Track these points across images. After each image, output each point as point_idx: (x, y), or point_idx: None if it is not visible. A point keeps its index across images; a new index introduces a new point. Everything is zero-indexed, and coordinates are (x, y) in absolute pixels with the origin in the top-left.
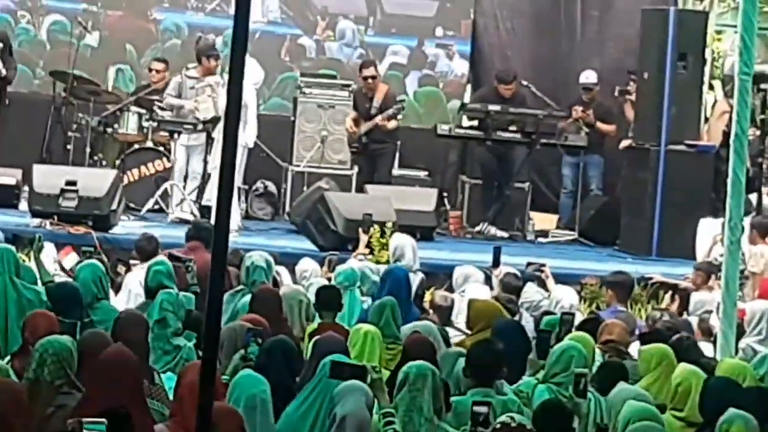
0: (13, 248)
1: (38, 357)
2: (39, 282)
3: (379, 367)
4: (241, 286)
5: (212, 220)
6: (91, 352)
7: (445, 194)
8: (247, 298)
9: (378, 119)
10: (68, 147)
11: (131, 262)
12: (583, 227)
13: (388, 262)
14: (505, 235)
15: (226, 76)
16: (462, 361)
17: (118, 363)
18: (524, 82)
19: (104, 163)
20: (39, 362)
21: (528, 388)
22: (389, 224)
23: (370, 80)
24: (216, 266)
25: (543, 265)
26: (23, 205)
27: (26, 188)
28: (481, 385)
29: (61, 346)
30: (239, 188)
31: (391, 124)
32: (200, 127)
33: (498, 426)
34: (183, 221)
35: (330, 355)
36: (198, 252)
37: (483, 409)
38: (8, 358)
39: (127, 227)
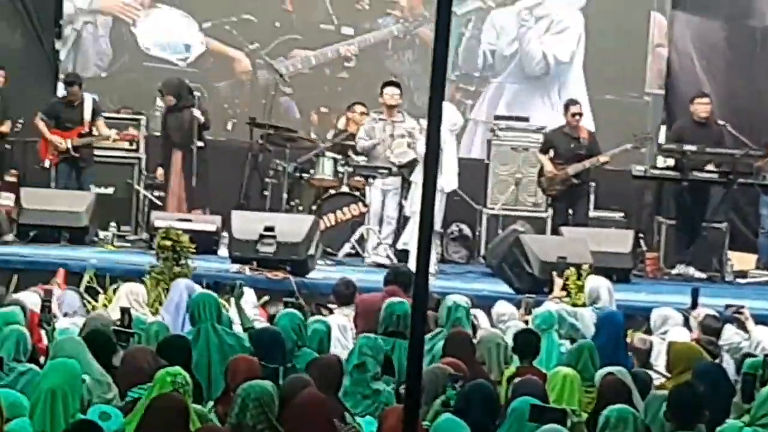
0: (215, 295)
1: (240, 401)
2: (240, 328)
3: (579, 410)
4: (439, 329)
5: (410, 264)
6: (291, 396)
7: (641, 235)
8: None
9: (606, 159)
10: (265, 193)
11: (330, 306)
12: None
13: (584, 304)
14: (704, 275)
15: (423, 121)
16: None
17: (313, 406)
18: (720, 122)
19: (300, 208)
20: (241, 407)
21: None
22: (585, 266)
23: (578, 117)
24: (417, 310)
25: (742, 306)
26: (222, 251)
27: (225, 234)
28: (682, 428)
29: (262, 391)
30: (435, 232)
31: (603, 159)
32: (395, 171)
33: None
34: (379, 265)
35: (527, 398)
36: (399, 296)
37: None
38: (211, 403)
39: (324, 272)
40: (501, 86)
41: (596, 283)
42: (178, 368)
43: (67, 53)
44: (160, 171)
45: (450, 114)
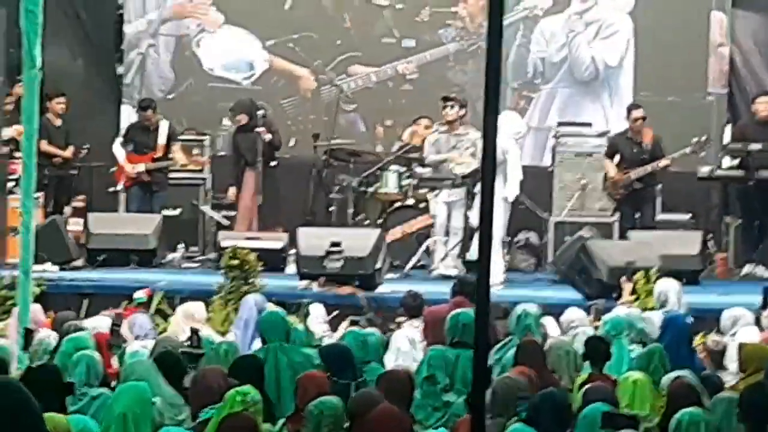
0: (283, 312)
1: (313, 419)
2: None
3: (652, 415)
4: (509, 338)
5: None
6: (363, 411)
7: (709, 236)
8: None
9: (665, 163)
10: (331, 209)
11: (398, 319)
12: None
13: (654, 308)
14: None
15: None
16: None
17: (386, 420)
18: None
19: (366, 222)
20: (315, 424)
21: None
22: (653, 270)
23: (640, 122)
24: (480, 318)
25: None
26: (290, 268)
27: (293, 251)
28: (754, 430)
29: (334, 407)
30: (503, 241)
31: (663, 163)
32: (459, 182)
33: None
34: (446, 277)
35: (599, 405)
36: (466, 306)
37: None
38: (282, 421)
39: (392, 285)
40: (552, 93)
41: (665, 286)
42: (248, 387)
43: (132, 77)
44: (232, 191)
45: (513, 122)
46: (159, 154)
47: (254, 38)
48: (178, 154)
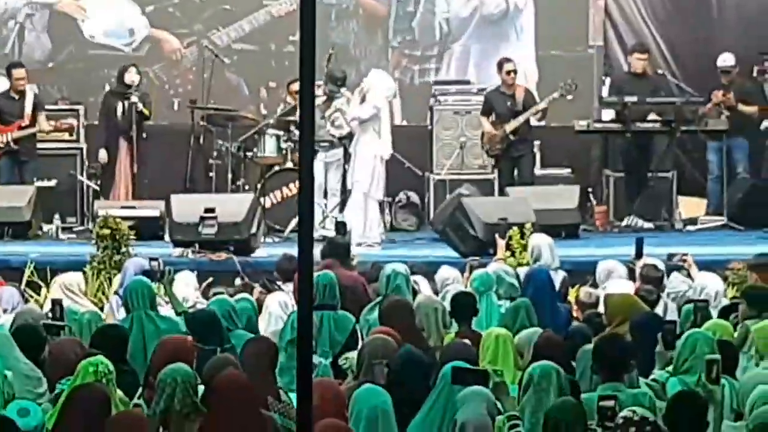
0: (148, 281)
1: (165, 386)
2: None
3: (507, 370)
4: (379, 298)
5: (348, 236)
6: (213, 377)
7: (590, 189)
8: None
9: (534, 110)
10: (210, 175)
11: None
12: (732, 211)
13: (528, 263)
14: (652, 225)
15: (353, 96)
16: None
17: (233, 386)
18: (659, 71)
19: (247, 187)
20: (167, 391)
21: (662, 380)
22: (528, 225)
23: (512, 75)
24: (303, 281)
25: (685, 254)
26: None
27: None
28: (609, 380)
29: (186, 373)
30: (381, 201)
31: (534, 111)
32: (336, 143)
33: (620, 421)
34: (326, 238)
35: (455, 363)
36: (336, 269)
37: (609, 403)
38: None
39: (270, 250)
40: (466, 49)
41: (537, 241)
42: (99, 357)
43: (10, 48)
44: (102, 154)
45: (383, 81)
46: (26, 122)
47: (134, 4)
48: (43, 122)
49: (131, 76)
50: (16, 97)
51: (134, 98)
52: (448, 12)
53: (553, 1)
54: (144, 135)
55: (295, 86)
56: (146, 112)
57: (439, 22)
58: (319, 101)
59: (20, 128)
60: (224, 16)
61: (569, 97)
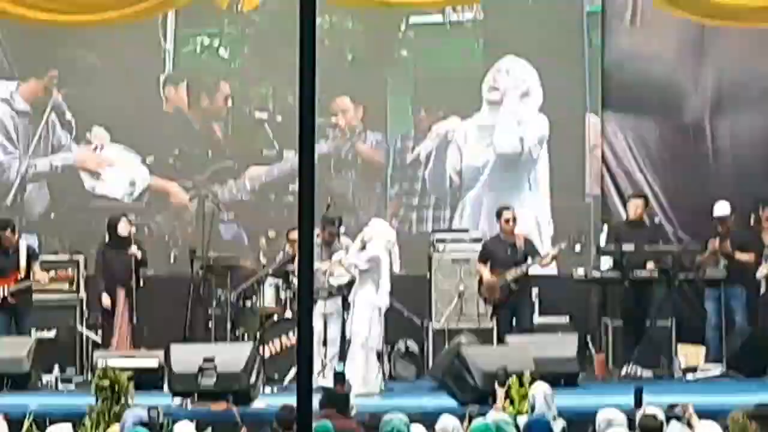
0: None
1: None
2: None
3: None
4: None
5: (346, 387)
6: None
7: (589, 337)
8: None
9: (547, 260)
10: (210, 324)
11: None
12: (731, 360)
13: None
14: (652, 374)
15: (352, 245)
16: None
17: None
18: (657, 220)
19: (246, 337)
20: None
21: None
22: (527, 374)
23: (511, 223)
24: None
25: (686, 405)
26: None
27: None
28: None
29: None
30: (379, 351)
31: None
32: (334, 292)
33: None
34: (325, 389)
35: None
36: (334, 419)
37: None
38: None
39: (269, 399)
40: (479, 196)
41: (534, 390)
42: None
43: (12, 198)
44: (105, 299)
45: (385, 231)
46: (21, 275)
47: (134, 154)
48: (39, 273)
49: (125, 227)
50: (10, 250)
51: (133, 249)
52: (459, 162)
53: (553, 150)
54: (142, 283)
55: (294, 235)
56: (139, 255)
57: (450, 175)
58: (317, 249)
59: (16, 281)
60: (224, 172)
61: (577, 249)
